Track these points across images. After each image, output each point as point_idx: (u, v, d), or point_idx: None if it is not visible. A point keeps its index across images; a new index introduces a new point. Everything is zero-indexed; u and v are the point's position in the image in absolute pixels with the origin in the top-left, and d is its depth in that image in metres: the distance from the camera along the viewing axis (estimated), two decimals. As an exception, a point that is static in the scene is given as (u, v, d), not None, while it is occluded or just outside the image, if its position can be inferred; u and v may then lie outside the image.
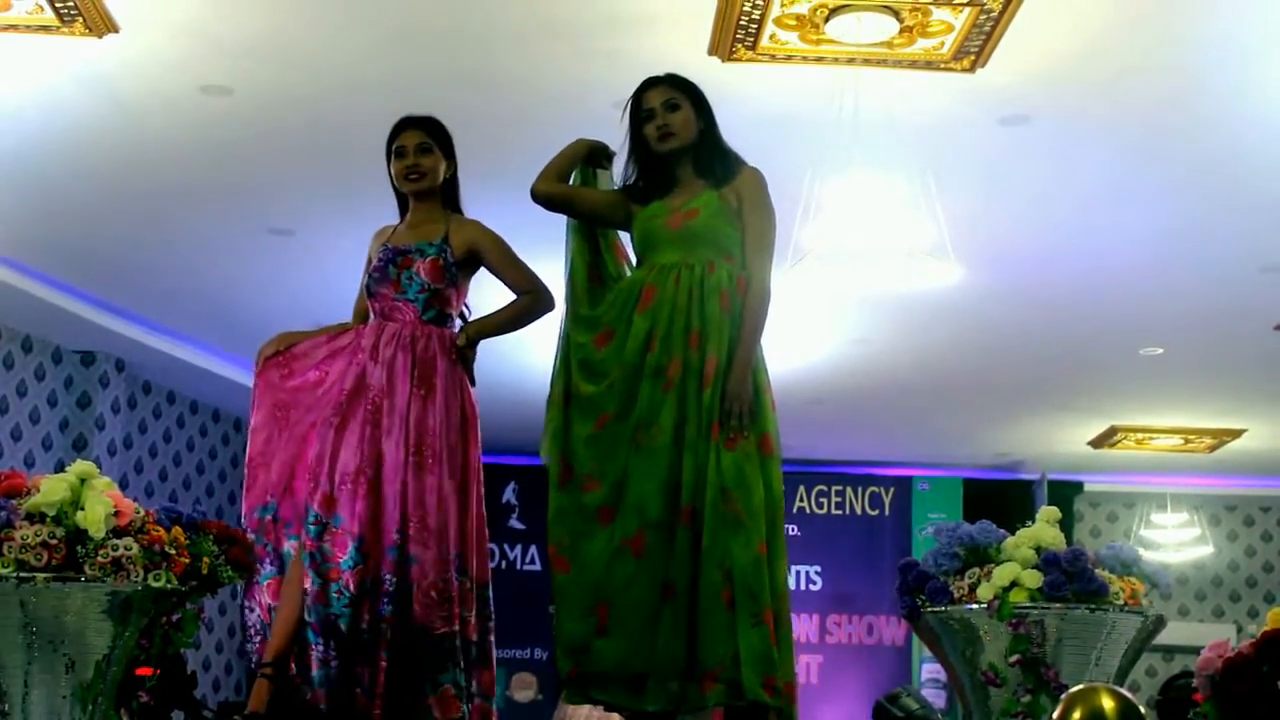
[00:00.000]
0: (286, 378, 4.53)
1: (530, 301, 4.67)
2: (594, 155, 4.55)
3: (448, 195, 4.76)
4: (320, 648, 4.18)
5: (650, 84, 4.36)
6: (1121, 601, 4.06)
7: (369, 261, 4.68)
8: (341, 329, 4.65)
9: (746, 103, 6.10)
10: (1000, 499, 13.97)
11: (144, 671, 3.65)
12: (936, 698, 13.12)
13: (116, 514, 3.48)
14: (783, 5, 5.58)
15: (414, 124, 4.69)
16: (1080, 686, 3.38)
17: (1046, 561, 4.03)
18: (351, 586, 4.20)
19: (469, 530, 4.45)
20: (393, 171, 4.67)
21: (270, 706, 4.10)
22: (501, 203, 7.82)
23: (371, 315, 4.61)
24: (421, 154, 4.64)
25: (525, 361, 10.87)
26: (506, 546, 14.47)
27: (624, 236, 4.54)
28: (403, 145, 4.65)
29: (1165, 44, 5.91)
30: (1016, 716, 3.91)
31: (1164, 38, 5.86)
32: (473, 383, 4.63)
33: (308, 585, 4.18)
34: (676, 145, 4.29)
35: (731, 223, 4.24)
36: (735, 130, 4.50)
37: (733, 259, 4.24)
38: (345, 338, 4.57)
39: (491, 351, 9.73)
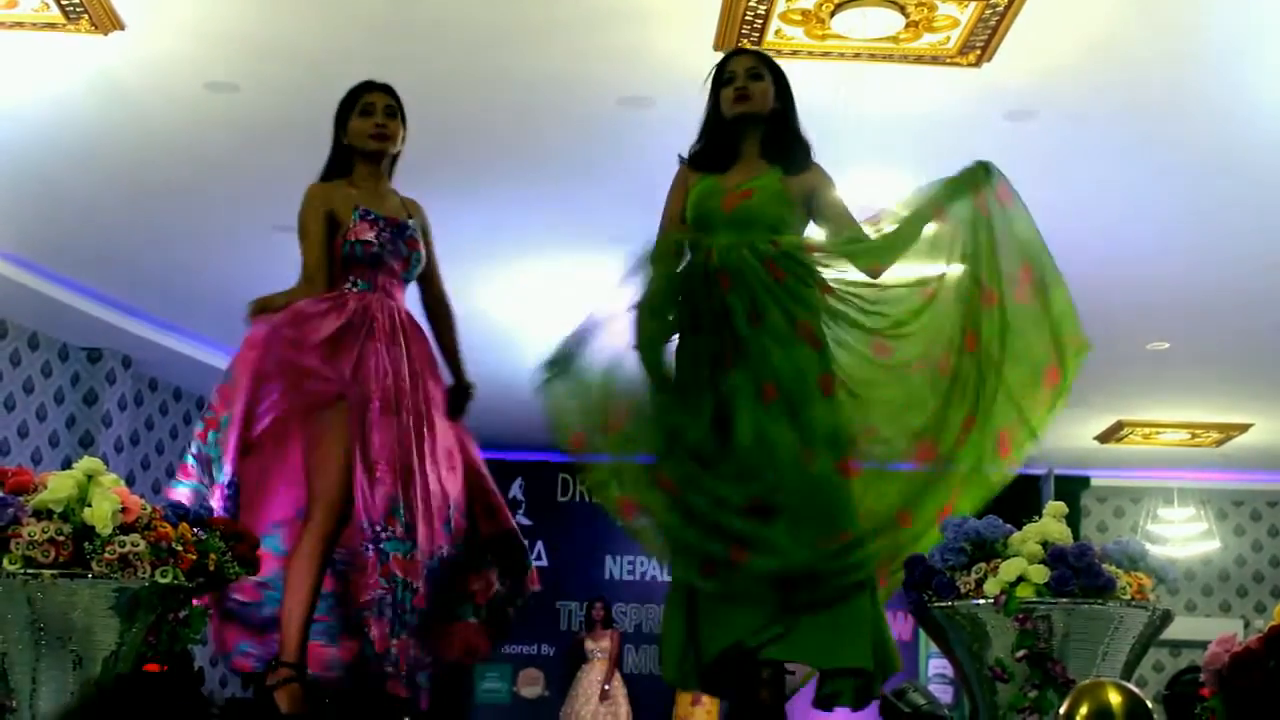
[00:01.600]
0: (300, 350, 4.33)
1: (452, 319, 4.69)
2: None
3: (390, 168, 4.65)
4: (401, 638, 4.19)
5: (737, 52, 4.36)
6: (1128, 596, 4.06)
7: (331, 219, 4.45)
8: (308, 292, 4.45)
9: (752, 98, 6.11)
10: (1007, 494, 13.90)
11: (151, 668, 3.65)
12: (943, 693, 13.12)
13: (123, 510, 3.48)
14: (788, 0, 5.58)
15: (382, 87, 4.58)
16: (1087, 681, 3.38)
17: (1053, 556, 4.02)
18: (413, 577, 4.23)
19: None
20: (355, 127, 4.50)
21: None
22: (505, 199, 7.85)
23: (369, 285, 4.42)
24: (389, 116, 4.53)
25: (531, 359, 10.87)
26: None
27: None
28: (371, 103, 4.52)
29: (1172, 38, 5.90)
30: (1024, 712, 3.91)
31: (1170, 32, 5.85)
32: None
33: (386, 580, 4.19)
34: (748, 110, 4.19)
35: (790, 208, 4.15)
36: (740, 126, 4.50)
37: None
38: (349, 312, 4.40)
39: (498, 347, 9.81)
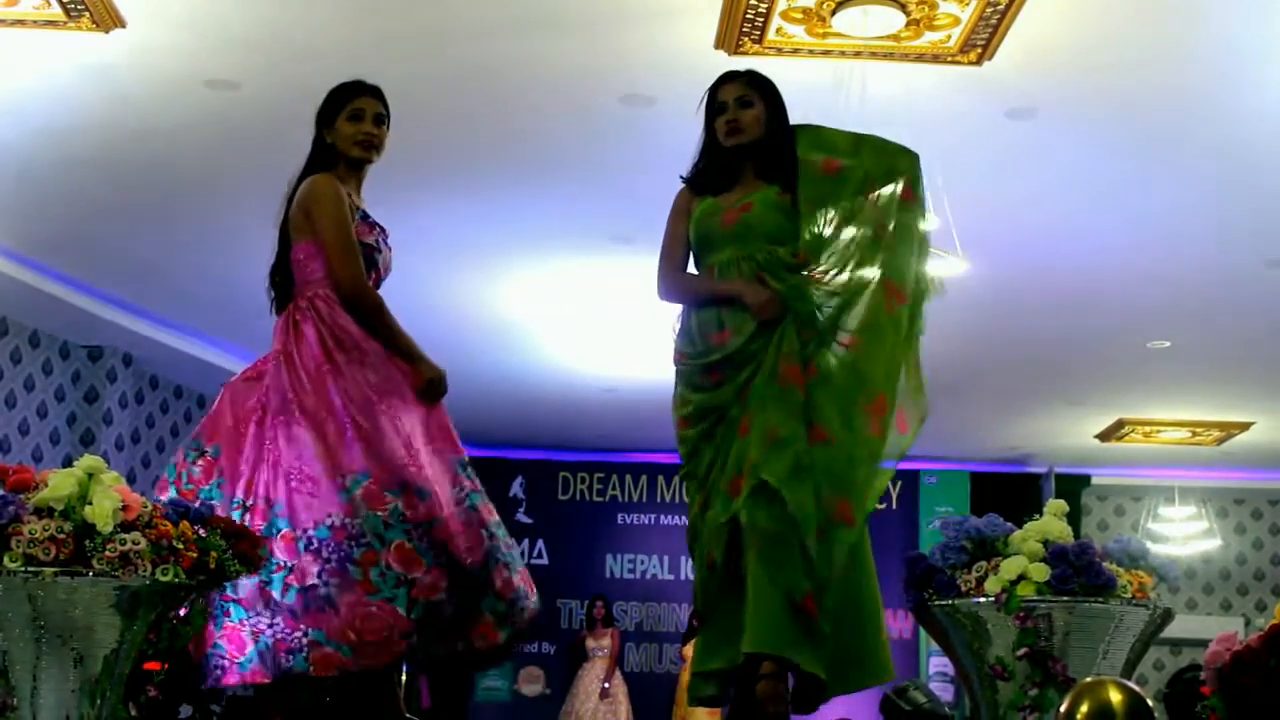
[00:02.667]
0: None
1: None
2: None
3: None
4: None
5: (727, 78, 4.32)
6: (1129, 595, 4.06)
7: (351, 207, 4.34)
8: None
9: (753, 96, 6.10)
10: (1008, 492, 13.99)
11: (152, 666, 3.65)
12: (944, 691, 13.13)
13: (124, 508, 3.47)
14: (789, -1, 5.58)
15: (373, 91, 4.43)
16: (1088, 680, 3.37)
17: (1054, 555, 4.02)
18: None
19: None
20: (343, 131, 4.38)
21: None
22: (505, 197, 7.84)
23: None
24: (378, 124, 4.41)
25: (532, 357, 10.88)
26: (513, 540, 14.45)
27: None
28: (363, 109, 4.39)
29: (1172, 37, 5.90)
30: (1024, 710, 3.91)
31: (1171, 30, 5.85)
32: None
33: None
34: (743, 141, 4.23)
35: (789, 218, 4.19)
36: (741, 123, 4.49)
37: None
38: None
39: (498, 345, 9.74)
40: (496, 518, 4.30)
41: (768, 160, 4.26)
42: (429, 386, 4.27)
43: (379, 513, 4.03)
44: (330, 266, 4.27)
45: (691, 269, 4.35)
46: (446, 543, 4.07)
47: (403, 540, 4.03)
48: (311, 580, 3.99)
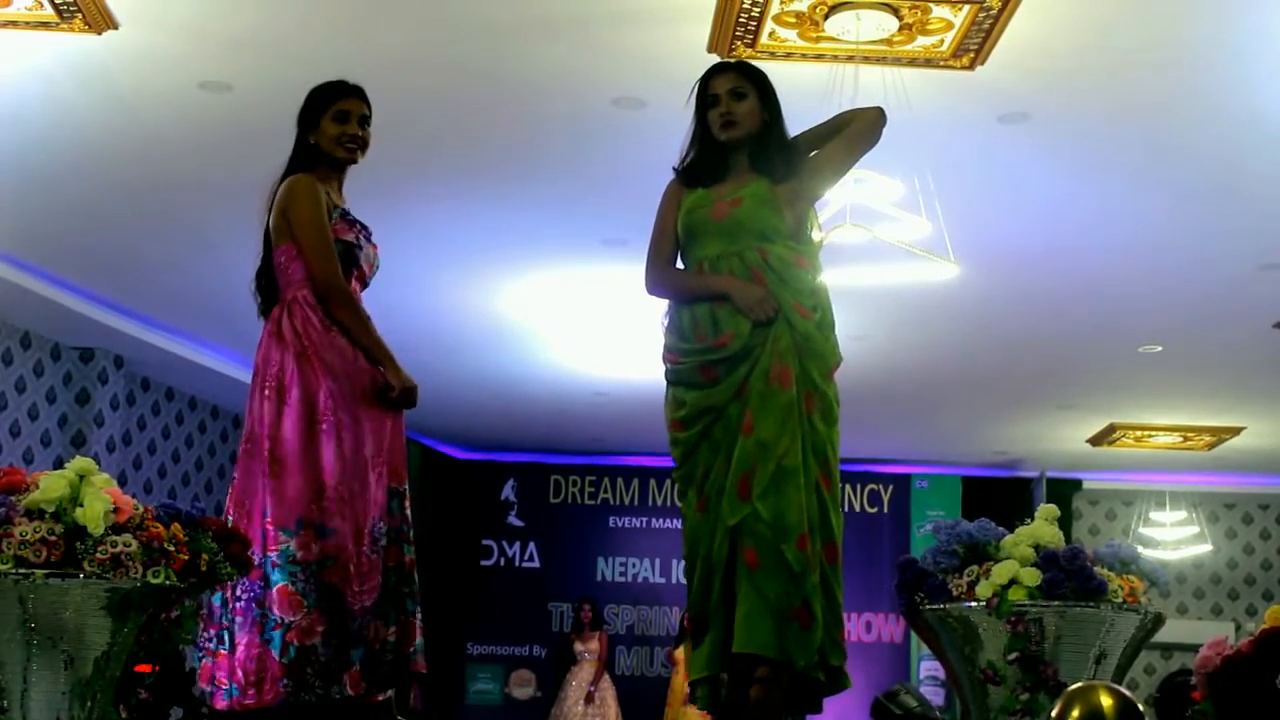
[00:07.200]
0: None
1: None
2: None
3: None
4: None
5: (718, 70, 4.27)
6: (1120, 599, 4.06)
7: (328, 206, 4.36)
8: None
9: (746, 100, 6.09)
10: (999, 496, 14.01)
11: (143, 668, 3.64)
12: (935, 695, 13.14)
13: (115, 510, 3.47)
14: (782, 2, 5.58)
15: (357, 92, 4.45)
16: (1079, 684, 3.38)
17: (1045, 559, 4.02)
18: None
19: None
20: (329, 131, 4.39)
21: None
22: (497, 200, 7.84)
23: (355, 289, 4.42)
24: (363, 126, 4.43)
25: (523, 359, 10.88)
26: (505, 543, 14.47)
27: None
28: (349, 110, 4.40)
29: (1164, 41, 5.91)
30: (1015, 714, 3.91)
31: (1163, 35, 5.86)
32: None
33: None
34: (738, 134, 4.18)
35: (779, 213, 4.14)
36: (734, 127, 4.48)
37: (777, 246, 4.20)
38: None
39: (488, 349, 9.74)
40: (405, 559, 4.31)
41: (761, 151, 4.21)
42: (402, 395, 4.28)
43: (269, 553, 4.10)
44: (307, 267, 4.29)
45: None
46: (337, 584, 4.12)
47: (286, 583, 4.09)
48: (217, 611, 4.12)
